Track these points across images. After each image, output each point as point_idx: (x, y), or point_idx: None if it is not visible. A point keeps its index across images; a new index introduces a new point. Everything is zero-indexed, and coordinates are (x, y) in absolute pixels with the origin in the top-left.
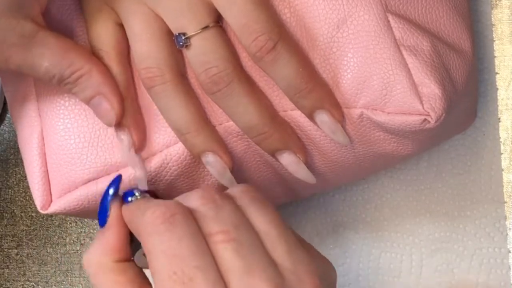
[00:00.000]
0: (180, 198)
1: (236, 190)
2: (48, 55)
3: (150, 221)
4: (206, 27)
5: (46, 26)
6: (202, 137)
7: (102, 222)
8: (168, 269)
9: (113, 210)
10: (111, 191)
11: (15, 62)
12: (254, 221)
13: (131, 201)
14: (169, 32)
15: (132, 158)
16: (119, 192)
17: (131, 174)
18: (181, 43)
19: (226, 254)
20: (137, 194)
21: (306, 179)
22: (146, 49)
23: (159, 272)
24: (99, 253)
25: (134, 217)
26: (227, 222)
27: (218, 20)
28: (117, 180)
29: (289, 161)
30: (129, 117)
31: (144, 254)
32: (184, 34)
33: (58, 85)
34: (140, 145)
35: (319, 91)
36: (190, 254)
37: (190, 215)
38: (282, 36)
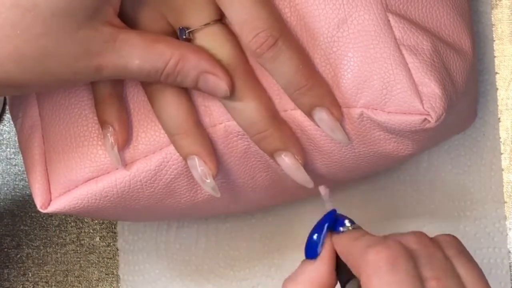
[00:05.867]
0: (396, 237)
1: (443, 240)
2: (136, 53)
3: (373, 261)
4: (208, 24)
5: (124, 26)
6: (191, 139)
7: (311, 254)
8: None
9: (327, 244)
10: (325, 226)
11: (107, 69)
12: (461, 272)
13: (342, 231)
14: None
15: (115, 156)
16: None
17: (126, 176)
18: (184, 37)
19: None
20: (348, 225)
21: (304, 182)
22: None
23: None
24: (308, 285)
25: (352, 250)
26: (439, 269)
27: (220, 18)
28: (332, 215)
29: (287, 163)
30: (113, 115)
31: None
32: (187, 28)
33: (161, 81)
34: (123, 144)
35: (318, 89)
36: None
37: (411, 259)
38: (283, 32)
